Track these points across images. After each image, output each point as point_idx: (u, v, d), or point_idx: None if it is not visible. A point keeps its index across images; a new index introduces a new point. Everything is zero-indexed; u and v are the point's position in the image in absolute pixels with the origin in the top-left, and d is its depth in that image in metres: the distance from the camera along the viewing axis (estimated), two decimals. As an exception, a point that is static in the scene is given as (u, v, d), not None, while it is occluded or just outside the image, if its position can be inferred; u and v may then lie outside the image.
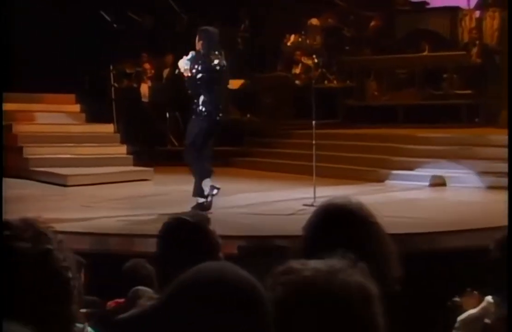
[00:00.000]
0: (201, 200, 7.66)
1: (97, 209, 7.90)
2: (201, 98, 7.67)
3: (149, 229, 6.96)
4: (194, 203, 7.94)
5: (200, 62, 7.68)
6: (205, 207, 7.61)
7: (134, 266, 4.52)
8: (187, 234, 2.64)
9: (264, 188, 9.91)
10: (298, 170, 11.35)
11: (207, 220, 2.74)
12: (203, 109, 7.66)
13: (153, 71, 14.13)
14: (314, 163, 8.48)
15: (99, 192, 9.44)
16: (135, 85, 14.04)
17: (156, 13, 15.37)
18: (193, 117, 7.73)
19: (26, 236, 1.56)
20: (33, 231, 1.58)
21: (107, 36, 14.53)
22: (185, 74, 7.71)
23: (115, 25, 14.72)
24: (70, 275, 1.57)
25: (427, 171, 10.12)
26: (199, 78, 7.66)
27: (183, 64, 7.69)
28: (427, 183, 9.91)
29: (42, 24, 13.28)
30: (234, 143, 13.04)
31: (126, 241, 6.25)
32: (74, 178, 9.98)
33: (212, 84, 7.70)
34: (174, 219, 2.73)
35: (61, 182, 9.93)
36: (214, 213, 7.61)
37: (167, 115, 13.73)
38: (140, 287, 3.49)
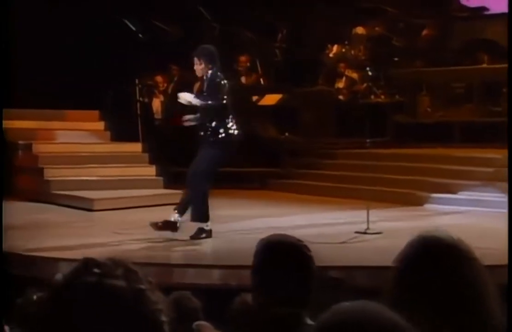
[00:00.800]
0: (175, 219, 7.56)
1: (129, 235, 7.93)
2: (217, 122, 7.60)
3: (188, 258, 7.01)
4: (230, 228, 7.91)
5: (208, 84, 7.62)
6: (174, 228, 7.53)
7: (178, 299, 4.55)
8: (285, 256, 2.67)
9: (307, 212, 9.92)
10: (341, 193, 11.39)
11: (298, 241, 2.79)
12: (221, 131, 7.62)
13: (165, 85, 14.16)
14: (367, 187, 8.44)
15: (129, 217, 9.43)
16: (146, 100, 14.08)
17: (185, 22, 15.48)
18: (211, 140, 7.62)
19: (117, 274, 1.56)
20: (124, 269, 1.58)
21: (133, 47, 14.69)
22: (193, 103, 7.67)
23: (140, 36, 14.86)
24: (163, 318, 1.57)
25: (471, 195, 10.07)
26: (210, 100, 7.59)
27: (187, 97, 7.67)
28: (469, 207, 9.85)
29: (63, 36, 13.46)
30: (270, 164, 13.08)
31: (165, 271, 6.27)
32: (101, 202, 10.01)
33: (225, 104, 7.64)
34: (271, 240, 2.79)
35: (86, 206, 9.97)
36: (256, 241, 7.63)
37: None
38: (201, 322, 3.51)
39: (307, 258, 2.75)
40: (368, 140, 8.33)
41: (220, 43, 15.03)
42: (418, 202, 10.40)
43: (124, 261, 1.61)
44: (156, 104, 14.15)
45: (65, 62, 13.08)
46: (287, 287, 2.66)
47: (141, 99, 14.21)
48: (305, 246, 2.78)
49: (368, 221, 7.87)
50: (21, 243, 7.43)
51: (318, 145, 13.25)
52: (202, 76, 7.71)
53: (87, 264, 1.58)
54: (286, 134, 13.88)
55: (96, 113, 12.73)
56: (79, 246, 7.32)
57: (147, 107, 14.05)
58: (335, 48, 14.51)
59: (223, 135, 7.64)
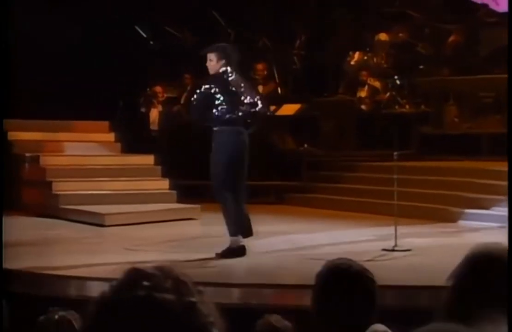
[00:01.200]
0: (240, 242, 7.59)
1: (144, 252, 7.98)
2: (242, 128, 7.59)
3: (207, 276, 7.02)
4: (248, 246, 7.91)
5: (242, 82, 7.56)
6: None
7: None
8: (346, 282, 2.71)
9: (329, 229, 9.93)
10: (364, 208, 11.41)
11: (364, 268, 2.82)
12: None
13: (165, 95, 14.25)
14: (393, 201, 8.42)
15: (142, 232, 9.50)
16: (143, 110, 14.10)
17: (198, 28, 15.50)
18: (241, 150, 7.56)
19: (167, 287, 1.55)
20: (173, 280, 1.57)
21: (144, 55, 14.71)
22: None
23: (151, 43, 14.89)
24: (215, 331, 1.56)
25: (504, 211, 10.00)
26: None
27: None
28: (504, 223, 9.76)
29: (72, 43, 13.52)
30: (288, 177, 13.08)
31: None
32: (113, 217, 10.06)
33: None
34: (330, 266, 2.82)
35: (97, 221, 9.99)
36: (277, 258, 7.62)
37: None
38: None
39: (372, 286, 2.80)
40: (396, 153, 8.25)
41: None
42: (450, 218, 10.36)
43: (173, 271, 1.60)
44: (154, 114, 14.22)
45: (73, 70, 13.16)
46: (350, 314, 2.72)
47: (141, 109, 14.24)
48: (370, 273, 2.85)
49: (396, 238, 7.84)
50: (31, 260, 7.46)
51: (339, 157, 13.25)
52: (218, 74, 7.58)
53: (136, 276, 1.57)
54: (305, 145, 13.90)
55: (105, 124, 12.74)
56: (91, 264, 7.34)
57: (145, 117, 14.10)
58: (356, 55, 14.48)
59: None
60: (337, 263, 2.87)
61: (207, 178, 13.03)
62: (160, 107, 14.17)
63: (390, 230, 8.21)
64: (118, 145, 12.50)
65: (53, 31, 13.09)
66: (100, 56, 13.33)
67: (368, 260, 7.42)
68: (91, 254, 7.90)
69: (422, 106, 13.85)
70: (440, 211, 10.61)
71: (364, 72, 14.11)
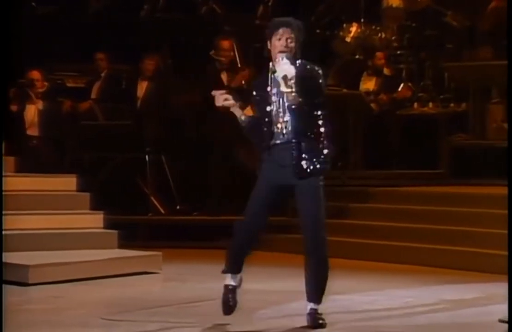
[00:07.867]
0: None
1: (129, 326, 7.74)
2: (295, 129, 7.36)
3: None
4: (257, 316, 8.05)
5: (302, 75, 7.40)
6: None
7: None
8: None
9: (366, 284, 10.16)
10: (383, 254, 11.75)
11: None
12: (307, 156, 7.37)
13: (45, 84, 14.26)
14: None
15: (93, 295, 9.50)
16: (14, 108, 14.07)
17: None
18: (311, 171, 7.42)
19: None
20: None
21: (29, 22, 14.91)
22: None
23: (34, 4, 14.75)
24: None
25: None
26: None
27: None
28: None
29: None
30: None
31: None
32: (40, 271, 9.94)
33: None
34: None
35: (15, 278, 9.78)
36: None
37: (147, 158, 13.92)
38: None
39: None
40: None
41: (181, 20, 15.02)
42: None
43: None
44: (31, 113, 14.17)
45: None
46: None
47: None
48: None
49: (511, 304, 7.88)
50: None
51: (339, 179, 13.26)
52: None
53: None
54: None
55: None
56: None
57: (18, 118, 14.07)
58: (354, 28, 14.68)
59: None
60: None
61: (141, 210, 13.38)
62: (40, 104, 14.10)
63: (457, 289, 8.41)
64: (11, 160, 12.23)
65: None
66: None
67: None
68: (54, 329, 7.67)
69: (452, 105, 14.06)
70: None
71: (379, 54, 14.32)
